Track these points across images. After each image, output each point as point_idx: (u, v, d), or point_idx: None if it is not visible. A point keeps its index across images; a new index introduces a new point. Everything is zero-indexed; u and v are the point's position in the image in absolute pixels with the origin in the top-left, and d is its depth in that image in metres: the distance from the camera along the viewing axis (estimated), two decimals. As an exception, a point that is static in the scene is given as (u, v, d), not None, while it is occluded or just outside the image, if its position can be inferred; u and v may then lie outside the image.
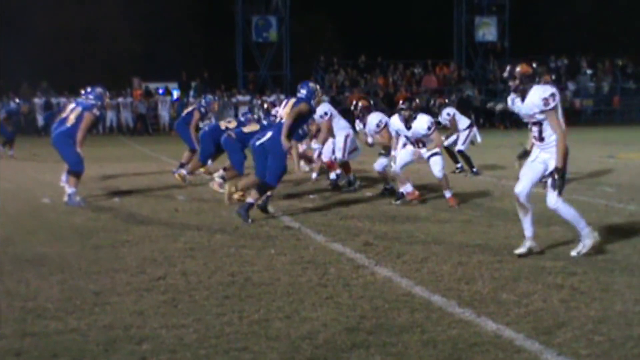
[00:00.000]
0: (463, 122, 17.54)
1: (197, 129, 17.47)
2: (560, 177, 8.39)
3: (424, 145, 12.67)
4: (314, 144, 15.86)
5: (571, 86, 44.18)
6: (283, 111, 12.03)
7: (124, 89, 41.69)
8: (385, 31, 49.23)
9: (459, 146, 17.37)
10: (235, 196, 12.74)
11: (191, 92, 42.07)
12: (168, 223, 11.19)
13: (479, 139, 17.59)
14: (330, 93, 40.05)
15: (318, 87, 12.59)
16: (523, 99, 8.63)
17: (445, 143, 16.70)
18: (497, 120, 42.04)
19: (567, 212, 8.58)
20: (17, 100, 30.26)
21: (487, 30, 48.74)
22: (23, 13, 41.38)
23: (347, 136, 14.97)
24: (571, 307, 6.51)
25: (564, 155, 8.39)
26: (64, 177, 13.87)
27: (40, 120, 37.63)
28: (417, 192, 12.85)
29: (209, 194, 14.15)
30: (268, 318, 6.30)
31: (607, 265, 8.02)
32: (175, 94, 42.99)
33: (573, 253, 8.45)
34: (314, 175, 15.81)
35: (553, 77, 17.64)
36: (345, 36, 50.59)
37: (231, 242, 9.61)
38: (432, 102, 19.39)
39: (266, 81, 45.95)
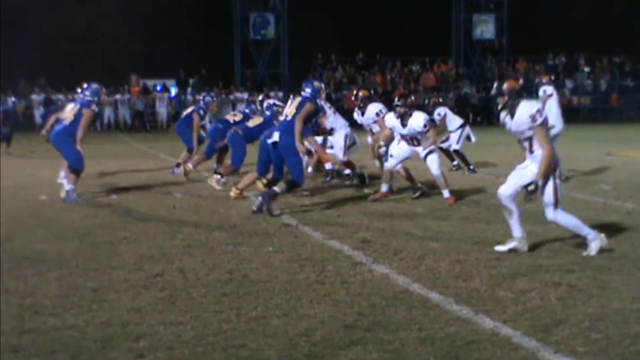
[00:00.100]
0: (455, 121, 17.48)
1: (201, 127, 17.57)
2: (534, 191, 8.38)
3: (419, 143, 12.68)
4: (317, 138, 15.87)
5: (569, 84, 44.18)
6: (288, 110, 12.05)
7: (121, 85, 41.63)
8: (383, 28, 49.21)
9: (454, 146, 17.35)
10: (232, 194, 12.78)
11: (189, 90, 42.03)
12: (166, 220, 11.18)
13: (473, 138, 17.55)
14: (328, 90, 40.02)
15: (322, 85, 12.61)
16: (512, 116, 8.60)
17: (442, 146, 16.73)
18: (494, 117, 42.03)
19: (567, 221, 8.56)
20: (12, 99, 30.21)
21: (485, 28, 48.76)
22: (23, 12, 41.35)
23: (346, 136, 15.01)
24: (568, 305, 6.52)
25: (545, 173, 8.37)
26: (62, 173, 13.87)
27: (37, 116, 37.59)
28: (387, 192, 12.83)
29: (207, 191, 14.15)
30: (266, 315, 6.30)
31: (605, 263, 8.03)
32: (173, 91, 42.97)
33: (584, 254, 8.44)
34: (310, 169, 15.82)
35: (552, 77, 17.57)
36: (343, 33, 50.56)
37: (229, 239, 9.61)
38: (426, 100, 19.40)
39: (264, 79, 45.94)
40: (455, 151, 17.39)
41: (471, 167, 17.19)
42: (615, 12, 48.32)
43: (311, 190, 13.88)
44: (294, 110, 11.83)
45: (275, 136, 11.67)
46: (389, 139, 13.36)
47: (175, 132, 18.21)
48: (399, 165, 13.11)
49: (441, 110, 17.52)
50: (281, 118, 12.40)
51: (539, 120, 8.37)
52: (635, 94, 44.66)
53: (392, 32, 48.94)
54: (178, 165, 17.01)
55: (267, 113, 14.81)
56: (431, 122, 12.88)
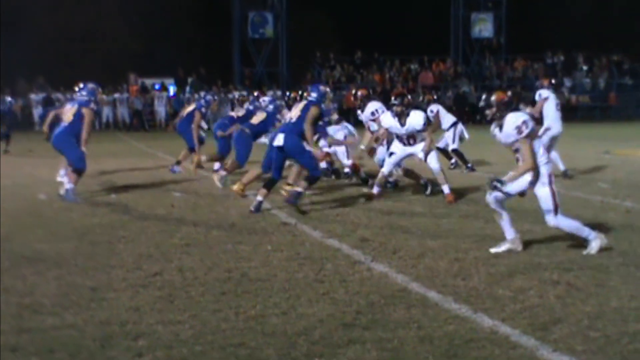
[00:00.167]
0: (448, 119, 17.45)
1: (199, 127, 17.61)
2: (497, 185, 8.41)
3: (415, 142, 12.65)
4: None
5: (567, 82, 44.20)
6: (293, 112, 12.08)
7: (120, 85, 41.61)
8: (382, 27, 49.22)
9: (452, 145, 17.34)
10: (235, 187, 12.80)
11: (187, 89, 42.02)
12: (164, 219, 11.18)
13: (466, 135, 17.53)
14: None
15: (328, 89, 12.65)
16: (501, 128, 8.61)
17: (439, 145, 16.72)
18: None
19: (568, 225, 8.56)
20: (8, 99, 30.17)
21: (484, 27, 48.77)
22: (22, 11, 41.32)
23: (344, 137, 15.07)
24: (567, 303, 6.53)
25: (514, 179, 8.42)
26: (62, 171, 13.87)
27: (36, 115, 37.58)
28: (378, 194, 12.84)
29: (205, 190, 14.15)
30: (264, 314, 6.31)
31: (603, 262, 8.03)
32: (172, 90, 42.94)
33: (584, 252, 8.44)
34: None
35: (553, 80, 17.72)
36: (341, 32, 50.59)
37: (228, 238, 9.62)
38: (420, 98, 19.42)
39: (262, 77, 45.92)
40: (454, 150, 17.38)
41: (469, 165, 17.19)
42: (613, 10, 48.35)
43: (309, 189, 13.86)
44: (298, 113, 11.86)
45: (280, 140, 11.70)
46: (383, 139, 13.39)
47: (176, 131, 18.19)
48: (395, 168, 13.16)
49: (434, 108, 17.52)
50: (286, 118, 12.44)
51: (525, 131, 8.39)
52: (633, 93, 44.67)
53: (390, 30, 48.95)
54: (178, 162, 17.04)
55: (270, 107, 14.99)
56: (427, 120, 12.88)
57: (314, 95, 12.15)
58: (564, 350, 5.42)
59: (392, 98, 12.91)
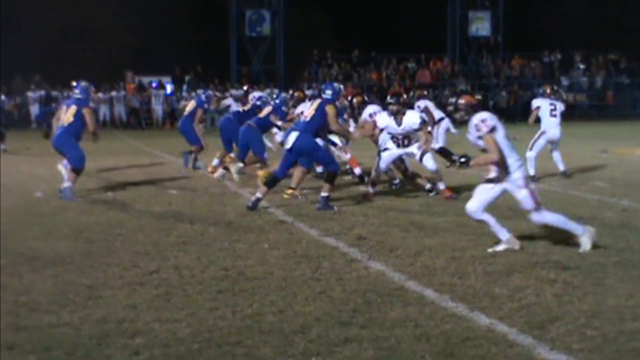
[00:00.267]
0: (435, 115, 17.43)
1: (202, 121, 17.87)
2: (462, 162, 8.48)
3: (410, 142, 12.63)
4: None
5: (565, 81, 44.20)
6: (307, 111, 12.08)
7: (117, 83, 41.58)
8: (379, 25, 49.17)
9: (436, 145, 17.33)
10: (260, 171, 12.75)
11: (184, 87, 42.00)
12: (161, 217, 11.18)
13: (453, 130, 17.45)
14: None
15: (342, 87, 12.65)
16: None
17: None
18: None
19: (554, 220, 8.62)
20: (2, 98, 30.17)
21: (481, 25, 48.74)
22: (19, 9, 41.26)
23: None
24: (564, 302, 6.53)
25: (480, 164, 8.58)
26: (65, 161, 13.83)
27: (33, 113, 37.54)
28: (371, 195, 12.84)
29: (202, 188, 14.15)
30: (261, 312, 6.31)
31: (600, 260, 8.04)
32: (169, 88, 42.90)
33: (580, 251, 8.45)
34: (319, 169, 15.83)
35: (555, 87, 17.89)
36: (338, 30, 50.52)
37: (224, 236, 9.62)
38: (410, 93, 19.41)
39: (260, 75, 45.89)
40: (438, 150, 17.33)
41: (454, 157, 17.13)
42: (611, 9, 48.30)
43: (307, 187, 13.87)
44: (312, 112, 11.87)
45: (291, 141, 11.73)
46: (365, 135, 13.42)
47: (179, 130, 18.24)
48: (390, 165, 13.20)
49: (421, 103, 17.51)
50: (301, 119, 12.45)
51: (484, 129, 8.44)
52: (630, 92, 44.73)
53: (387, 29, 48.90)
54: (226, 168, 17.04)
55: (277, 101, 15.20)
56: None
57: (328, 93, 12.13)
58: (561, 349, 5.42)
59: (389, 97, 12.92)
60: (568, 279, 7.26)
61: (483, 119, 8.52)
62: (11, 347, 5.54)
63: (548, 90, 16.31)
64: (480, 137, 8.51)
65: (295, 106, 15.23)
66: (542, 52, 46.55)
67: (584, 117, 41.97)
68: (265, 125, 14.98)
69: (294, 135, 11.79)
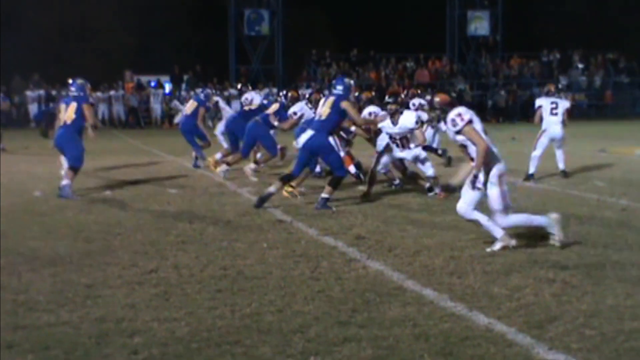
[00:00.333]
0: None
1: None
2: (476, 181, 8.47)
3: (408, 142, 12.64)
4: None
5: (563, 80, 44.20)
6: (322, 109, 12.05)
7: (115, 82, 41.57)
8: (378, 25, 49.17)
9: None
10: (289, 187, 12.67)
11: (183, 86, 42.00)
12: (160, 216, 11.18)
13: (443, 127, 17.43)
14: (323, 87, 40.01)
15: (352, 82, 12.61)
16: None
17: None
18: (489, 114, 42.15)
19: (518, 220, 8.66)
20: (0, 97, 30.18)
21: (480, 25, 48.72)
22: (17, 8, 41.25)
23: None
24: (562, 301, 6.53)
25: (481, 164, 8.43)
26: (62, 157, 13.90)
27: (31, 113, 37.56)
28: (370, 195, 12.85)
29: (201, 187, 14.15)
30: (260, 312, 6.31)
31: (599, 260, 8.04)
32: (168, 87, 42.89)
33: (556, 245, 8.47)
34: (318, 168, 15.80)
35: (559, 85, 18.04)
36: (337, 30, 50.52)
37: (223, 235, 9.62)
38: (405, 91, 19.41)
39: (258, 75, 45.87)
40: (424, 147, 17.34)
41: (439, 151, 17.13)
42: (609, 8, 48.31)
43: (305, 187, 13.87)
44: (327, 110, 11.84)
45: (304, 139, 11.75)
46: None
47: (182, 131, 18.35)
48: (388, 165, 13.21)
49: (415, 101, 17.55)
50: (315, 118, 12.43)
51: (461, 123, 8.48)
52: (629, 91, 44.71)
53: (386, 28, 48.90)
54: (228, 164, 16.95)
55: (283, 100, 15.31)
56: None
57: (339, 88, 12.07)
58: (559, 349, 5.43)
59: (387, 96, 12.92)
60: (567, 279, 7.27)
61: (459, 113, 8.57)
62: (10, 346, 5.54)
63: (552, 89, 16.43)
64: (458, 132, 8.54)
65: (289, 106, 15.21)
66: (540, 51, 46.54)
67: (582, 117, 41.96)
68: (271, 123, 15.04)
69: (307, 134, 11.78)
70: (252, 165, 14.98)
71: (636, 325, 5.90)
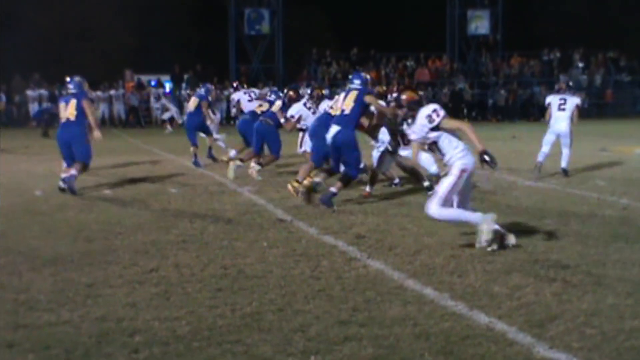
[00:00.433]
0: None
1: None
2: (490, 158, 8.42)
3: (409, 143, 12.63)
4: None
5: (563, 79, 44.17)
6: (344, 104, 12.03)
7: (116, 81, 41.60)
8: (378, 24, 49.23)
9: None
10: (304, 184, 12.65)
11: (183, 85, 42.00)
12: (160, 215, 11.18)
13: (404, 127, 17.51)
14: (318, 85, 39.95)
15: (368, 76, 12.63)
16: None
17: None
18: (489, 113, 42.19)
19: (449, 216, 8.59)
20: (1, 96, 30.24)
21: (480, 24, 48.72)
22: (18, 7, 41.26)
23: None
24: (563, 300, 6.53)
25: (478, 138, 8.43)
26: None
27: (32, 112, 37.61)
28: (369, 193, 12.86)
29: (202, 186, 14.15)
30: (260, 311, 6.31)
31: (599, 259, 8.04)
32: (168, 86, 42.90)
33: (485, 246, 8.43)
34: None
35: (570, 83, 18.17)
36: (337, 29, 50.58)
37: (224, 234, 9.61)
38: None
39: (259, 74, 45.87)
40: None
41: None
42: (610, 7, 48.33)
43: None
44: (351, 104, 11.83)
45: (332, 135, 11.76)
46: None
47: (187, 127, 18.54)
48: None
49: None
50: (336, 113, 12.39)
51: (437, 119, 8.45)
52: (630, 90, 44.69)
53: (386, 27, 48.95)
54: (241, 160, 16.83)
55: (284, 97, 15.39)
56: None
57: (357, 82, 12.08)
58: (560, 348, 5.42)
59: (389, 96, 12.92)
60: (567, 278, 7.26)
61: (434, 109, 8.55)
62: (11, 346, 5.54)
63: (563, 87, 16.68)
64: (433, 129, 8.48)
65: (288, 105, 15.17)
66: (541, 50, 46.53)
67: (583, 116, 41.76)
68: (279, 121, 15.04)
69: (334, 129, 11.78)
70: (257, 167, 14.96)
71: (637, 324, 5.90)
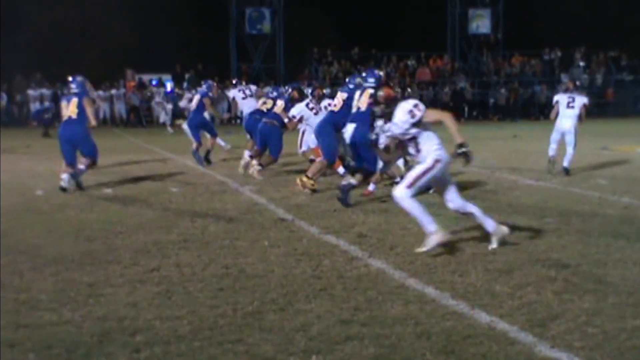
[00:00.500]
0: None
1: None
2: (467, 151, 8.38)
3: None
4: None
5: (565, 79, 44.17)
6: (360, 102, 12.06)
7: (117, 80, 41.62)
8: (379, 23, 49.17)
9: None
10: (309, 183, 12.70)
11: (185, 84, 42.01)
12: (161, 214, 11.18)
13: (379, 123, 17.55)
14: (318, 85, 39.95)
15: (382, 73, 12.66)
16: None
17: None
18: (490, 112, 42.19)
19: (411, 207, 8.48)
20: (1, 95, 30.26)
21: (481, 23, 48.73)
22: (19, 7, 41.27)
23: None
24: (565, 300, 6.52)
25: (458, 129, 8.37)
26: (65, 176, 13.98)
27: (32, 111, 37.65)
28: (371, 192, 12.86)
29: (203, 186, 14.15)
30: (262, 310, 6.30)
31: (601, 258, 8.04)
32: (169, 85, 42.91)
33: (421, 249, 8.37)
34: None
35: (577, 82, 18.41)
36: (339, 28, 50.50)
37: (225, 233, 9.61)
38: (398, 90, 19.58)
39: (260, 73, 45.88)
40: None
41: None
42: (611, 6, 48.29)
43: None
44: (368, 100, 11.88)
45: (349, 132, 11.85)
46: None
47: (190, 126, 18.53)
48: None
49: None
50: (353, 110, 12.42)
51: (419, 114, 8.40)
52: (631, 89, 44.68)
53: (388, 26, 48.89)
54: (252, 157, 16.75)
55: (286, 96, 15.39)
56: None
57: (371, 81, 12.22)
58: (561, 347, 5.42)
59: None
60: (569, 277, 7.26)
61: (415, 104, 8.49)
62: (12, 345, 5.54)
63: (571, 86, 16.97)
64: (415, 124, 8.43)
65: (291, 106, 15.15)
66: (542, 49, 46.55)
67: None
68: (282, 121, 15.03)
69: (351, 127, 11.81)
70: (258, 167, 14.96)
71: (638, 323, 5.90)
